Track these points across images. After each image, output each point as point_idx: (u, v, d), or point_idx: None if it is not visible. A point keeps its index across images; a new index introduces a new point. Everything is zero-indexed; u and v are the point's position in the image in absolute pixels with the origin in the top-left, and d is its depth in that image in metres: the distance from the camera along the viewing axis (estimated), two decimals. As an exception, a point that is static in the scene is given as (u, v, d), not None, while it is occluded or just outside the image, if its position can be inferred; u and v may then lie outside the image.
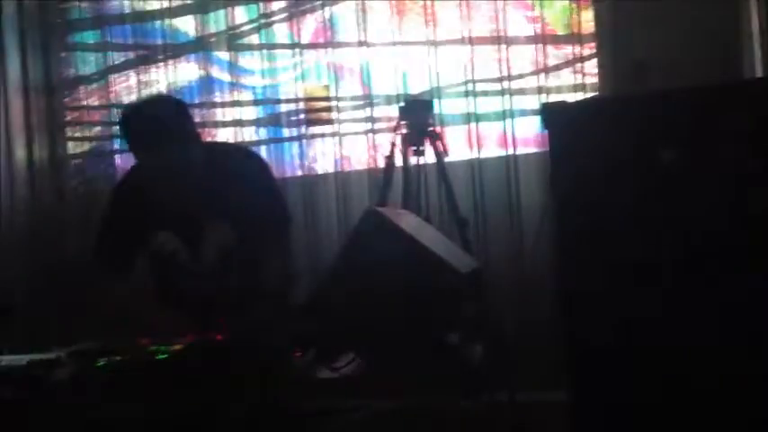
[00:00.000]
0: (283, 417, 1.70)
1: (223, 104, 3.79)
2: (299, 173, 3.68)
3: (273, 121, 3.75)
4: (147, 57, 3.82)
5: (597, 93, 3.32)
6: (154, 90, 3.76)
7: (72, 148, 3.97)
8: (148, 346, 1.84)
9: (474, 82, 3.48)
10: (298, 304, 1.83)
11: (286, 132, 3.73)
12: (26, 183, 3.74)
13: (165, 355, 1.78)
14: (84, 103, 3.95)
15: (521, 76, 3.48)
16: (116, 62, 3.89)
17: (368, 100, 3.59)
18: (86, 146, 3.97)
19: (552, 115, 1.80)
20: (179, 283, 2.35)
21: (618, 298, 1.82)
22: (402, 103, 3.17)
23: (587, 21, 3.40)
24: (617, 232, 1.79)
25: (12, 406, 1.63)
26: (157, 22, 3.81)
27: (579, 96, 3.34)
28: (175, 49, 3.80)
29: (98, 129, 3.96)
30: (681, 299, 1.79)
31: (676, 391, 1.86)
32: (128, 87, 3.86)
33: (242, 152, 2.62)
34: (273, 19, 3.75)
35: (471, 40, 3.49)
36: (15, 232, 3.61)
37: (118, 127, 2.24)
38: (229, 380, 1.68)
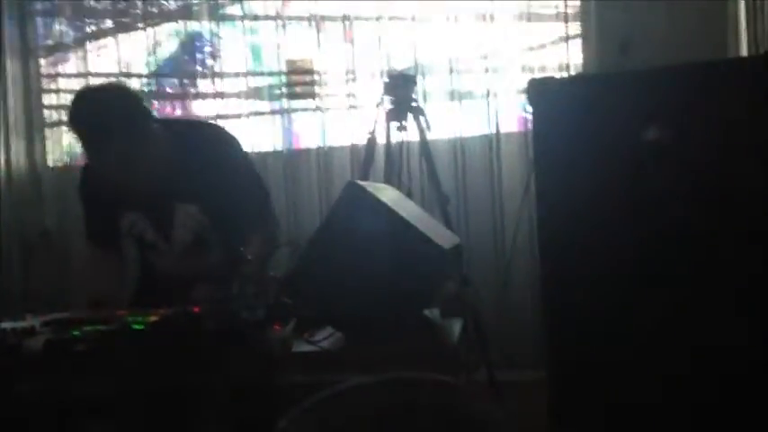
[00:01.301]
0: (260, 390, 1.68)
1: (204, 75, 3.73)
2: (281, 147, 3.64)
3: (256, 94, 3.70)
4: (126, 24, 3.75)
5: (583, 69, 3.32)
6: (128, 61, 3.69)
7: (48, 116, 3.90)
8: (125, 316, 1.82)
9: (458, 60, 3.46)
10: (277, 276, 1.81)
11: (268, 106, 3.69)
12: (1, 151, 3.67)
13: (141, 326, 1.76)
14: (61, 70, 3.88)
15: (505, 55, 3.46)
16: (94, 29, 3.81)
17: (351, 75, 3.55)
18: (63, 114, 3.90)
19: (537, 92, 1.79)
20: (150, 263, 2.34)
21: (600, 282, 1.82)
22: (386, 79, 3.14)
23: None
24: (600, 213, 1.78)
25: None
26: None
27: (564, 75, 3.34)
28: (156, 17, 3.73)
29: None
30: (664, 283, 1.79)
31: (649, 366, 1.87)
32: (106, 55, 3.80)
33: (207, 127, 2.56)
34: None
35: (456, 17, 3.47)
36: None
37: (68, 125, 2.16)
38: (206, 352, 1.67)
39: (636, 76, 1.83)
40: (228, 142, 2.34)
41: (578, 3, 3.39)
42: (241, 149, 2.37)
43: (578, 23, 3.39)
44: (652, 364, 1.89)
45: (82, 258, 3.18)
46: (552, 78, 1.92)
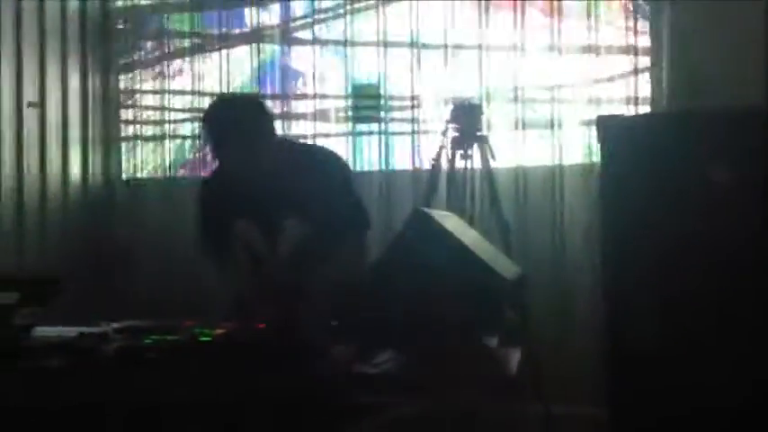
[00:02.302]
0: (321, 409, 1.72)
1: (273, 97, 3.83)
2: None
3: (322, 116, 3.78)
4: (202, 45, 3.89)
5: (651, 105, 3.29)
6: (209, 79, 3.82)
7: (125, 130, 4.06)
8: (192, 327, 1.88)
9: (523, 89, 3.48)
10: (342, 299, 1.85)
11: (334, 128, 3.76)
12: (79, 164, 3.82)
13: (209, 338, 1.82)
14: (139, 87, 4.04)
15: (572, 86, 3.46)
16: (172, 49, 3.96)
17: (416, 100, 3.60)
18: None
19: (606, 128, 1.80)
20: (254, 271, 2.41)
21: (664, 315, 1.80)
22: (451, 107, 3.17)
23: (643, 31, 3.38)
24: (666, 252, 1.77)
25: (61, 376, 1.68)
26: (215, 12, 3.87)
27: (631, 108, 3.32)
28: (231, 39, 3.86)
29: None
30: (729, 315, 1.77)
31: (717, 408, 1.84)
32: (183, 73, 3.94)
33: (323, 152, 2.68)
34: (327, 15, 3.78)
35: (523, 47, 3.49)
36: (67, 209, 3.69)
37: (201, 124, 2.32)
38: (267, 368, 1.71)
39: (707, 116, 1.82)
40: (343, 166, 2.53)
41: (648, 37, 3.37)
42: (349, 174, 2.55)
43: (648, 57, 3.37)
44: (715, 403, 1.86)
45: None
46: (621, 116, 1.93)
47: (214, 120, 2.32)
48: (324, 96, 3.78)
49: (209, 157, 2.51)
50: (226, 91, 3.76)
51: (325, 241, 2.30)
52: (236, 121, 2.26)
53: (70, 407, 1.60)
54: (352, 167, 3.63)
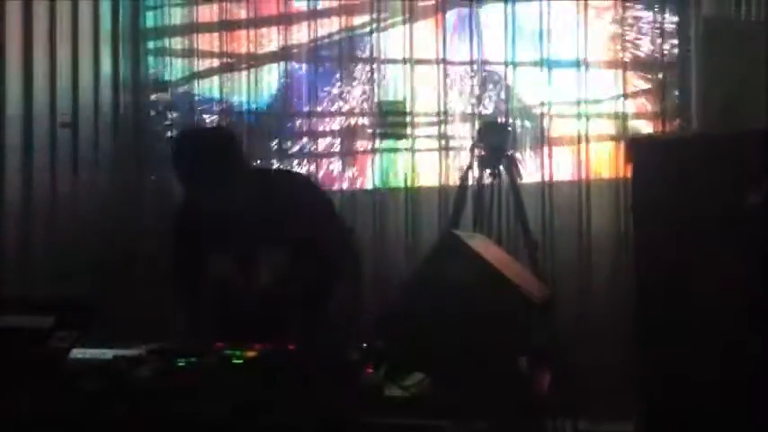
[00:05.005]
0: (350, 431, 1.72)
1: (301, 115, 3.87)
2: (371, 186, 3.73)
3: (349, 133, 3.81)
4: (231, 64, 3.94)
5: (679, 123, 3.27)
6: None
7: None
8: (223, 350, 1.90)
9: (549, 104, 3.48)
10: (371, 321, 1.86)
11: (360, 145, 3.79)
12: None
13: (240, 360, 1.84)
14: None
15: (598, 101, 3.46)
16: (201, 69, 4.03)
17: (443, 117, 3.62)
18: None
19: (638, 150, 1.80)
20: (231, 305, 2.39)
21: (696, 336, 1.79)
22: (479, 126, 3.18)
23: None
24: (700, 274, 1.76)
25: (96, 398, 1.70)
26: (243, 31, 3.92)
27: (658, 124, 3.31)
28: (259, 58, 3.91)
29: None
30: (763, 339, 1.75)
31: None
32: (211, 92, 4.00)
33: (294, 177, 2.68)
34: (355, 32, 3.82)
35: (550, 62, 3.49)
36: (103, 233, 3.74)
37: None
38: (299, 389, 1.72)
39: (737, 138, 1.81)
40: (311, 188, 2.48)
41: (675, 51, 3.36)
42: (324, 195, 2.48)
43: (675, 72, 3.36)
44: (748, 427, 1.84)
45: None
46: (653, 137, 1.92)
47: (182, 153, 2.26)
48: (351, 114, 3.81)
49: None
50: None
51: (306, 269, 2.27)
52: (203, 155, 2.20)
53: (105, 430, 1.63)
54: (379, 184, 3.68)
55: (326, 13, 3.85)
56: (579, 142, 3.44)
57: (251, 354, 1.88)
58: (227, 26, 3.96)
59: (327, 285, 2.25)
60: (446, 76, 3.63)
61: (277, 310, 2.27)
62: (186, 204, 2.42)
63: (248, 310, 2.35)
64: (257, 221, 2.27)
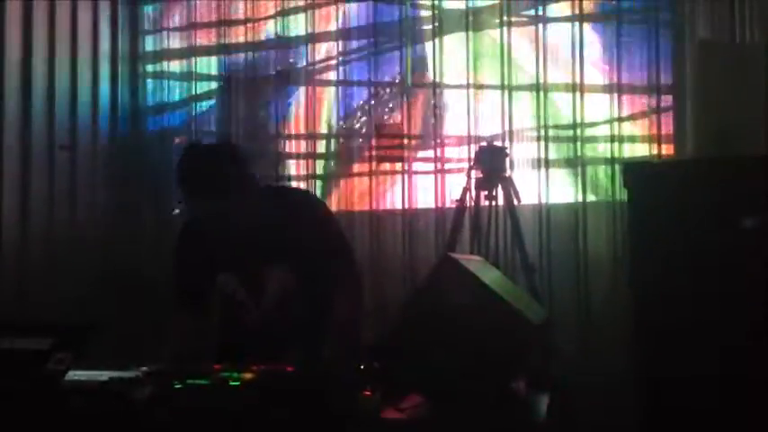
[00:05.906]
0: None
1: (298, 137, 3.89)
2: (368, 208, 3.74)
3: (345, 155, 3.83)
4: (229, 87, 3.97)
5: (673, 146, 3.29)
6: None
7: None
8: (221, 372, 1.89)
9: (546, 127, 3.50)
10: (369, 343, 1.86)
11: (357, 167, 3.81)
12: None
13: (237, 383, 1.83)
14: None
15: (593, 125, 3.49)
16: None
17: (439, 140, 3.64)
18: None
19: (634, 176, 1.81)
20: (238, 323, 2.38)
21: (694, 360, 1.79)
22: (476, 149, 3.20)
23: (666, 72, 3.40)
24: (697, 297, 1.77)
25: (91, 420, 1.70)
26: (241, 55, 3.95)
27: (653, 147, 3.33)
28: (257, 81, 3.93)
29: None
30: (762, 365, 1.75)
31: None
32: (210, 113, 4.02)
33: (296, 192, 2.66)
34: (351, 57, 3.85)
35: (546, 86, 3.52)
36: (100, 253, 3.74)
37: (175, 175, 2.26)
38: (297, 411, 1.72)
39: (733, 163, 1.82)
40: (316, 205, 2.47)
41: (670, 75, 3.39)
42: (328, 212, 2.47)
43: (670, 96, 3.39)
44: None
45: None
46: (649, 163, 1.94)
47: (185, 172, 2.22)
48: (349, 135, 3.83)
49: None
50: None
51: (312, 285, 2.26)
52: (206, 173, 2.17)
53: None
54: (376, 207, 3.68)
55: (324, 37, 3.89)
56: (576, 164, 3.47)
57: (248, 376, 1.88)
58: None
59: (328, 306, 2.25)
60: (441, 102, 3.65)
61: (279, 331, 2.26)
62: (190, 222, 2.41)
63: (250, 329, 2.33)
64: (261, 239, 2.26)
